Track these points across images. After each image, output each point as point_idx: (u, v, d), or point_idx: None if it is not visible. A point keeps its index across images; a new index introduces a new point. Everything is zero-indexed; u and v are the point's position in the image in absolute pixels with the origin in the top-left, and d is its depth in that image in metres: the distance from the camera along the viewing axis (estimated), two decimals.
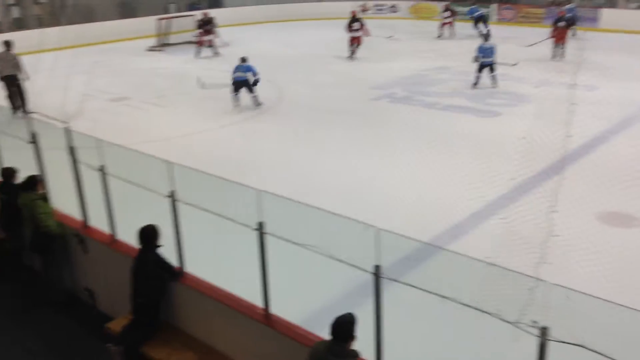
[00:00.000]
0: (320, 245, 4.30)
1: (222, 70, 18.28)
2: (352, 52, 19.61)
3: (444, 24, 23.89)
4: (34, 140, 6.71)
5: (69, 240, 6.52)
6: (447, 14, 23.87)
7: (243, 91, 13.63)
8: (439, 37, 23.73)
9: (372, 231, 3.91)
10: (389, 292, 4.07)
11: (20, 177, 6.95)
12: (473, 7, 23.75)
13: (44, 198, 6.51)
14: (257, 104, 13.72)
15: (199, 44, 20.92)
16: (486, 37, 16.27)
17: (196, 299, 5.27)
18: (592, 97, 13.28)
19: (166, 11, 25.71)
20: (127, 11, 25.66)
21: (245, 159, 10.19)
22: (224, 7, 27.29)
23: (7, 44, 13.41)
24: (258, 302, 4.81)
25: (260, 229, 4.59)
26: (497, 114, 12.71)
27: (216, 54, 20.98)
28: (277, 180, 8.77)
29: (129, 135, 11.17)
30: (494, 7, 26.35)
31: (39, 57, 20.43)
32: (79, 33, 20.90)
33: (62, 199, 6.67)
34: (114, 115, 13.49)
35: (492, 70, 14.96)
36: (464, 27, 23.82)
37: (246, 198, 4.60)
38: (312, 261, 4.49)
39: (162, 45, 22.24)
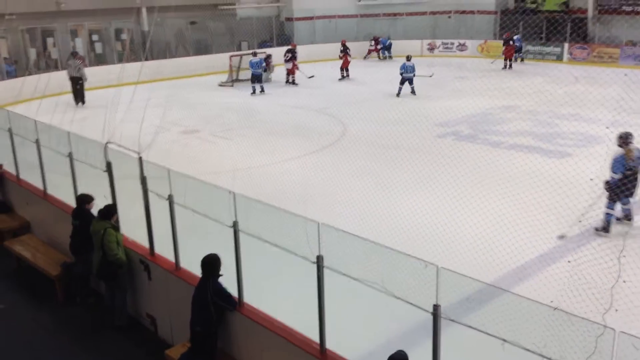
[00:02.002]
0: (379, 281, 4.27)
1: (285, 105, 18.75)
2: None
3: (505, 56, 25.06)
4: (108, 169, 7.05)
5: (135, 267, 6.75)
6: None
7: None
8: (503, 68, 24.67)
9: (433, 269, 3.85)
10: (448, 332, 3.99)
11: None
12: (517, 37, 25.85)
13: (115, 227, 6.76)
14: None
15: (290, 71, 22.41)
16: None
17: (253, 330, 5.31)
18: None
19: (238, 48, 26.64)
20: (201, 48, 26.79)
21: (307, 192, 10.28)
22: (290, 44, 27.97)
23: (74, 54, 19.59)
24: (314, 336, 4.80)
25: (319, 262, 4.61)
26: (566, 155, 12.32)
27: (294, 83, 22.24)
28: (337, 214, 8.79)
29: (197, 166, 11.54)
30: (565, 46, 25.79)
31: (119, 91, 21.52)
32: (155, 68, 21.99)
33: (130, 226, 6.93)
34: (184, 146, 14.00)
35: (411, 83, 19.43)
36: (535, 66, 23.43)
37: (306, 230, 4.64)
38: (370, 297, 4.46)
39: (233, 80, 23.00)
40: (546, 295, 6.00)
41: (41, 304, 7.53)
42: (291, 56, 22.44)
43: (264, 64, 21.20)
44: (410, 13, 30.39)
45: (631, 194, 8.46)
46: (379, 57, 28.98)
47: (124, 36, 25.01)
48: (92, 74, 22.36)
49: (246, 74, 23.64)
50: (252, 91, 21.07)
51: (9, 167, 9.93)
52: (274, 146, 13.75)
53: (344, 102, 18.26)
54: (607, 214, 8.39)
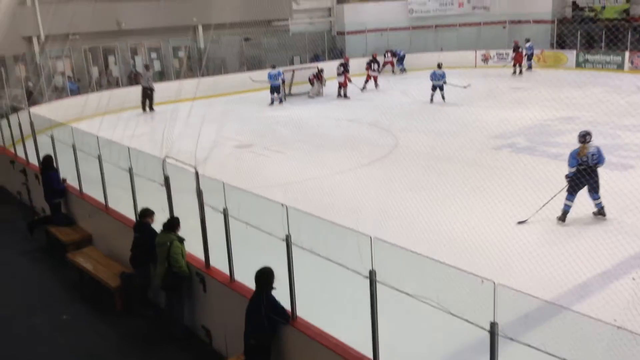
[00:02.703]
0: (434, 297, 4.20)
1: (337, 118, 18.82)
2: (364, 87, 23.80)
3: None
4: (166, 183, 7.24)
5: (192, 280, 6.88)
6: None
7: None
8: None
9: (490, 286, 3.76)
10: (506, 351, 3.88)
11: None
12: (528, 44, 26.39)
13: (181, 239, 6.90)
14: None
15: (343, 85, 22.72)
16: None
17: (305, 344, 5.31)
18: None
19: (291, 63, 26.98)
20: (255, 64, 27.28)
21: (359, 206, 10.26)
22: (343, 57, 28.12)
23: (147, 66, 22.28)
24: (367, 352, 4.75)
25: (372, 277, 4.57)
26: (629, 167, 11.85)
27: (345, 96, 22.45)
28: (390, 228, 8.73)
29: (250, 179, 11.71)
30: (626, 54, 24.89)
31: (177, 106, 22.18)
32: (211, 84, 22.55)
33: (186, 239, 7.07)
34: (238, 160, 14.23)
35: (441, 89, 20.24)
36: (595, 76, 22.71)
37: (359, 244, 4.62)
38: (424, 313, 4.39)
39: (285, 95, 23.28)
40: (609, 313, 5.76)
41: (102, 315, 7.77)
42: (343, 70, 22.60)
43: (282, 76, 22.21)
44: (463, 24, 30.05)
45: (594, 189, 9.31)
46: (393, 71, 28.46)
47: (181, 53, 25.75)
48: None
49: (298, 88, 23.95)
50: (270, 102, 21.93)
51: (73, 182, 10.33)
52: (325, 159, 13.81)
53: (395, 114, 18.16)
54: (565, 204, 9.30)
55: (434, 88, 20.46)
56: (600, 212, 9.47)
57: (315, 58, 28.36)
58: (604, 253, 7.34)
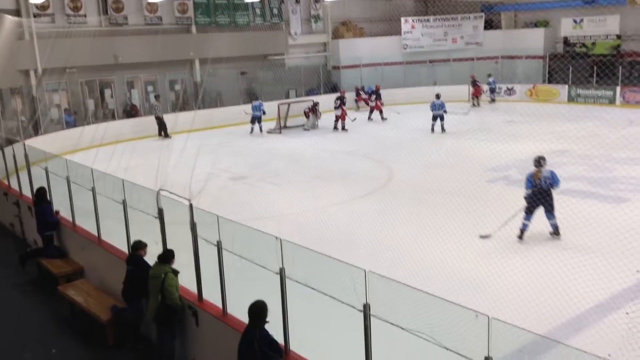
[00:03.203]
0: (428, 331, 4.16)
1: (332, 151, 18.92)
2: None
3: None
4: (160, 215, 7.22)
5: (184, 313, 6.80)
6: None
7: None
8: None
9: (484, 320, 3.74)
10: None
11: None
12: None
13: (175, 272, 6.83)
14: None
15: (340, 117, 22.96)
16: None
17: None
18: None
19: (286, 96, 27.21)
20: (250, 96, 27.53)
21: (353, 238, 10.23)
22: (339, 91, 28.39)
23: (157, 97, 23.63)
24: None
25: (366, 310, 4.54)
26: (623, 200, 11.90)
27: (344, 129, 22.74)
28: (384, 261, 8.69)
29: (244, 211, 11.69)
30: (617, 89, 25.24)
31: (173, 139, 22.28)
32: (207, 117, 22.70)
33: (180, 272, 7.01)
34: (232, 192, 14.23)
35: (442, 119, 20.66)
36: (587, 110, 22.97)
37: (353, 277, 4.59)
38: (419, 347, 4.35)
39: (281, 128, 23.43)
40: (604, 348, 5.71)
41: (93, 349, 7.66)
42: (340, 103, 22.82)
43: (263, 107, 23.22)
44: (457, 59, 30.50)
45: (549, 210, 10.10)
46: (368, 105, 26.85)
47: (177, 87, 25.97)
48: (147, 123, 23.32)
49: (294, 121, 24.13)
50: (250, 130, 23.06)
51: (66, 214, 10.29)
52: (320, 191, 13.81)
53: (389, 146, 18.28)
54: (523, 224, 10.11)
55: (434, 118, 20.83)
56: (555, 232, 10.13)
57: (311, 92, 28.64)
58: (598, 286, 7.31)
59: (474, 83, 27.30)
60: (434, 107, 20.88)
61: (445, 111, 20.69)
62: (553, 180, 10.20)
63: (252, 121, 22.99)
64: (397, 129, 22.39)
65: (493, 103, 27.14)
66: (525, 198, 10.22)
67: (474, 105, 26.83)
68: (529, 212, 10.16)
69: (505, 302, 7.19)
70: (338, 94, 24.22)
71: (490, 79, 27.45)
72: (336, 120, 22.94)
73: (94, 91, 23.76)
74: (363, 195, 13.49)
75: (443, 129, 20.70)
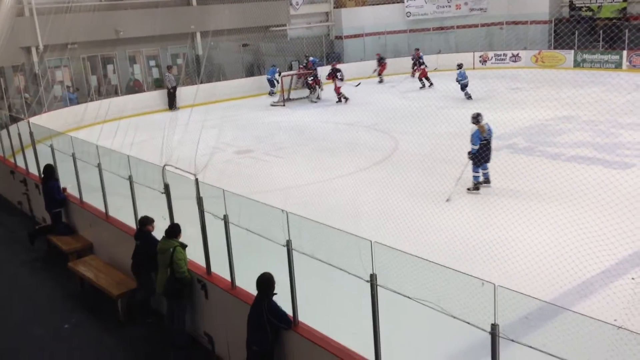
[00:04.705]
0: (435, 300, 4.20)
1: (336, 122, 18.86)
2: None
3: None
4: (166, 190, 7.26)
5: (193, 286, 6.88)
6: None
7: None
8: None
9: (490, 287, 3.77)
10: (508, 352, 3.88)
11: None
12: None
13: (183, 245, 6.90)
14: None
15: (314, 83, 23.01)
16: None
17: (308, 349, 5.31)
18: None
19: (290, 68, 27.00)
20: (253, 69, 27.36)
21: (359, 209, 10.26)
22: (343, 62, 28.17)
23: (169, 67, 23.83)
24: (369, 355, 4.75)
25: (373, 280, 4.58)
26: (630, 165, 11.85)
27: (339, 101, 22.41)
28: (390, 231, 8.73)
29: (250, 185, 11.72)
30: (624, 53, 24.91)
31: (176, 113, 22.22)
32: (210, 91, 22.59)
33: (188, 246, 7.07)
34: (237, 166, 14.25)
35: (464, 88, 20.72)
36: (593, 75, 22.72)
37: (359, 248, 4.62)
38: (425, 316, 4.39)
39: (285, 100, 23.32)
40: (610, 313, 5.76)
41: (103, 324, 7.77)
42: (335, 76, 22.43)
43: (275, 75, 24.60)
44: (461, 26, 30.11)
45: (487, 160, 11.19)
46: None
47: (180, 61, 25.81)
48: (151, 99, 23.26)
49: (297, 93, 23.99)
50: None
51: (73, 191, 10.35)
52: (325, 163, 13.82)
53: (394, 117, 18.16)
54: (474, 176, 11.10)
55: (462, 88, 21.09)
56: (486, 181, 11.29)
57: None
58: (604, 253, 7.33)
59: (417, 61, 25.04)
60: (461, 76, 21.01)
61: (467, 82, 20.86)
62: (491, 131, 11.29)
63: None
64: (400, 100, 22.23)
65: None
66: (473, 153, 11.03)
67: (423, 86, 24.24)
68: (479, 164, 11.08)
69: (512, 269, 7.23)
70: (331, 67, 23.29)
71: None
72: (339, 94, 22.67)
73: (96, 67, 23.66)
74: (368, 166, 13.48)
75: (468, 96, 20.94)
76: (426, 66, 24.52)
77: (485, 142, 11.05)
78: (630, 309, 5.15)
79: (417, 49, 25.84)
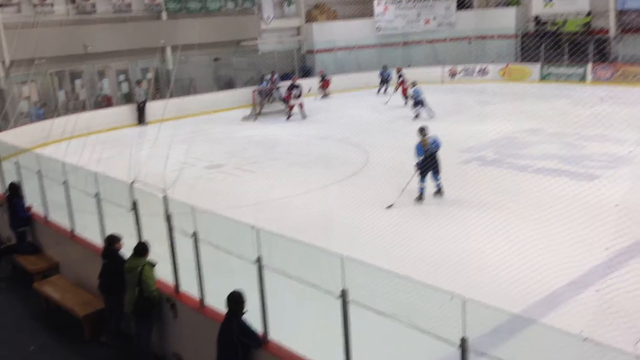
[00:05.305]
0: (405, 314, 4.20)
1: (308, 135, 18.89)
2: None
3: None
4: (134, 208, 7.15)
5: (162, 305, 6.76)
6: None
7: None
8: None
9: (459, 301, 3.79)
10: None
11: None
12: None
13: (152, 264, 6.78)
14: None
15: (290, 108, 22.44)
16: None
17: None
18: None
19: (261, 82, 27.01)
20: (224, 84, 27.27)
21: (331, 224, 10.25)
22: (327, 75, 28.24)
23: (138, 82, 23.55)
24: None
25: (343, 296, 4.56)
26: (594, 177, 12.10)
27: (304, 117, 22.24)
28: (362, 245, 8.74)
29: (221, 200, 11.64)
30: (588, 66, 25.56)
31: (145, 128, 21.99)
32: (180, 106, 22.41)
33: (156, 264, 6.96)
34: (208, 181, 14.14)
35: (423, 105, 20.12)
36: (559, 88, 23.22)
37: (330, 264, 4.61)
38: (397, 331, 4.39)
39: (256, 114, 23.27)
40: (577, 324, 5.82)
41: (70, 345, 7.59)
42: (298, 92, 22.40)
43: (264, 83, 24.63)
44: (430, 40, 30.54)
45: (436, 171, 11.52)
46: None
47: (149, 75, 25.59)
48: (120, 114, 23.00)
49: (269, 107, 23.96)
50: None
51: (38, 209, 10.13)
52: (297, 177, 13.81)
53: (365, 130, 18.23)
54: (420, 187, 11.52)
55: (416, 104, 20.45)
56: (438, 192, 11.65)
57: (286, 76, 28.44)
58: (571, 264, 7.45)
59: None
60: (416, 93, 20.45)
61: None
62: (437, 145, 11.56)
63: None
64: (372, 113, 22.38)
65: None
66: (418, 164, 11.49)
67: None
68: (424, 175, 11.50)
69: (481, 281, 7.29)
70: (291, 83, 23.07)
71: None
72: (291, 109, 22.47)
73: (64, 82, 23.30)
74: (340, 180, 13.50)
75: (416, 115, 20.21)
76: (405, 82, 24.46)
77: (428, 154, 11.42)
78: (595, 320, 5.23)
79: (385, 65, 26.43)
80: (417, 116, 20.03)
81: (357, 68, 29.41)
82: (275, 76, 26.19)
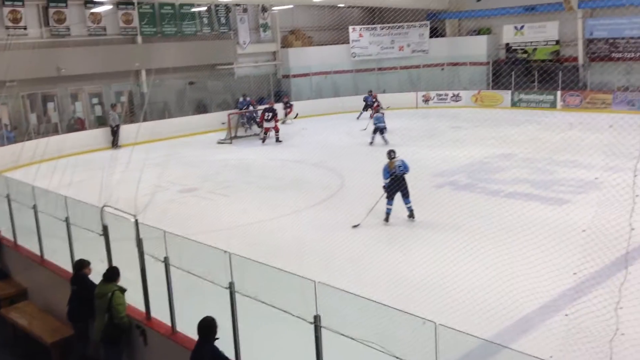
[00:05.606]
0: (378, 340, 4.19)
1: (283, 159, 18.93)
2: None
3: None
4: (104, 232, 7.04)
5: (132, 332, 6.63)
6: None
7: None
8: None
9: (430, 326, 3.79)
10: None
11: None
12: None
13: (122, 290, 6.65)
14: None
15: (266, 130, 22.46)
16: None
17: None
18: None
19: (236, 106, 27.06)
20: (200, 107, 27.24)
21: (304, 248, 10.23)
22: (290, 101, 28.41)
23: (113, 106, 23.32)
24: None
25: (316, 322, 4.53)
26: (564, 202, 12.32)
27: (278, 141, 22.34)
28: (335, 269, 8.73)
29: (194, 224, 11.54)
30: (558, 93, 26.20)
31: (117, 152, 21.81)
32: (154, 129, 22.30)
33: (126, 290, 6.84)
34: (181, 205, 14.02)
35: (382, 132, 20.09)
36: (530, 114, 23.68)
37: (303, 289, 4.59)
38: (369, 356, 4.37)
39: (232, 138, 23.25)
40: (547, 349, 5.88)
41: None
42: (272, 115, 22.28)
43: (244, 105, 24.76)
44: (404, 67, 31.05)
45: (406, 195, 11.70)
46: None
47: (123, 98, 25.44)
48: (92, 137, 22.77)
49: (243, 130, 23.99)
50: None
51: (7, 233, 9.91)
52: (271, 201, 13.78)
53: (341, 155, 18.36)
54: (387, 209, 11.73)
55: (375, 131, 20.42)
56: (410, 215, 11.75)
57: (261, 101, 28.57)
58: (541, 288, 7.53)
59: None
60: (377, 120, 20.46)
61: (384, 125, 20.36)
62: (404, 168, 11.72)
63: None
64: (346, 137, 22.54)
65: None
66: (385, 187, 11.68)
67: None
68: (390, 197, 11.68)
69: (453, 306, 7.32)
70: (266, 106, 22.91)
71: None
72: (265, 133, 22.48)
73: (36, 105, 23.01)
74: (315, 203, 13.51)
75: (385, 141, 19.95)
76: (380, 107, 24.58)
77: (395, 176, 11.61)
78: (564, 344, 5.29)
79: (370, 90, 26.76)
80: (371, 143, 20.25)
81: (333, 93, 29.71)
82: (248, 99, 26.29)
